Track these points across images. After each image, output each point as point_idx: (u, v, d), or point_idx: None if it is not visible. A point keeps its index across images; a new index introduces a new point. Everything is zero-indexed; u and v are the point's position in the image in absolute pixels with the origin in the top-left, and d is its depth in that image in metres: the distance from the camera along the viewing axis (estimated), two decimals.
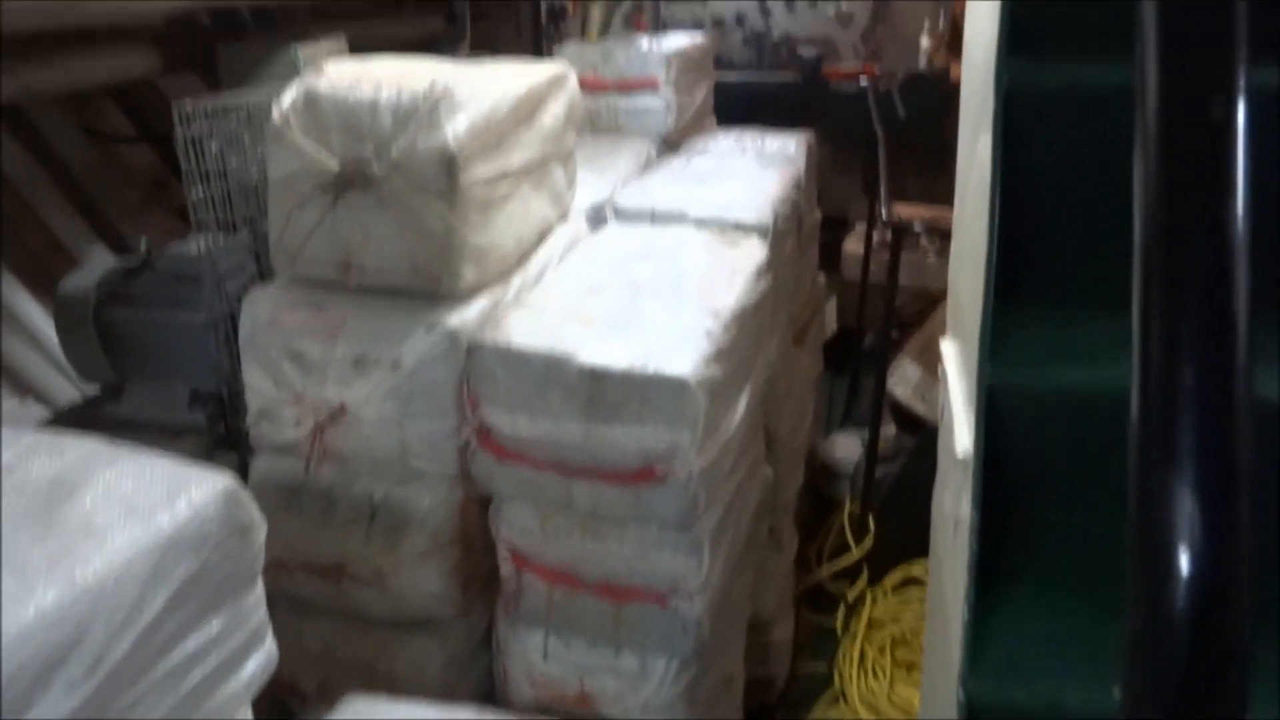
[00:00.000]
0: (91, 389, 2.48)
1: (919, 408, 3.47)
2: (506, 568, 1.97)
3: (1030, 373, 1.22)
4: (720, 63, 4.34)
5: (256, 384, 1.99)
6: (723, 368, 1.83)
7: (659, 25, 5.83)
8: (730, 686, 2.20)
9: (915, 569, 3.13)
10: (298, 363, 1.94)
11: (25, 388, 3.10)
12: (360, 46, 3.07)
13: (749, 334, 2.06)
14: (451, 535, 1.95)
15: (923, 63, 5.46)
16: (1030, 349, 1.24)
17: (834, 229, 4.41)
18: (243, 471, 2.06)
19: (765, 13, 5.92)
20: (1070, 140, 1.26)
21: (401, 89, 1.85)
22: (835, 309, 4.40)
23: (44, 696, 0.93)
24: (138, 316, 2.30)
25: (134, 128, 3.56)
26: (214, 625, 1.14)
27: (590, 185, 2.58)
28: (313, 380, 1.93)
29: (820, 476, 3.66)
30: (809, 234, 3.13)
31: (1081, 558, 1.23)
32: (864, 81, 4.45)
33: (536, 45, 4.90)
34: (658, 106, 3.21)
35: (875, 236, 4.09)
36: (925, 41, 5.47)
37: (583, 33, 5.38)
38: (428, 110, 1.82)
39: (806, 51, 5.75)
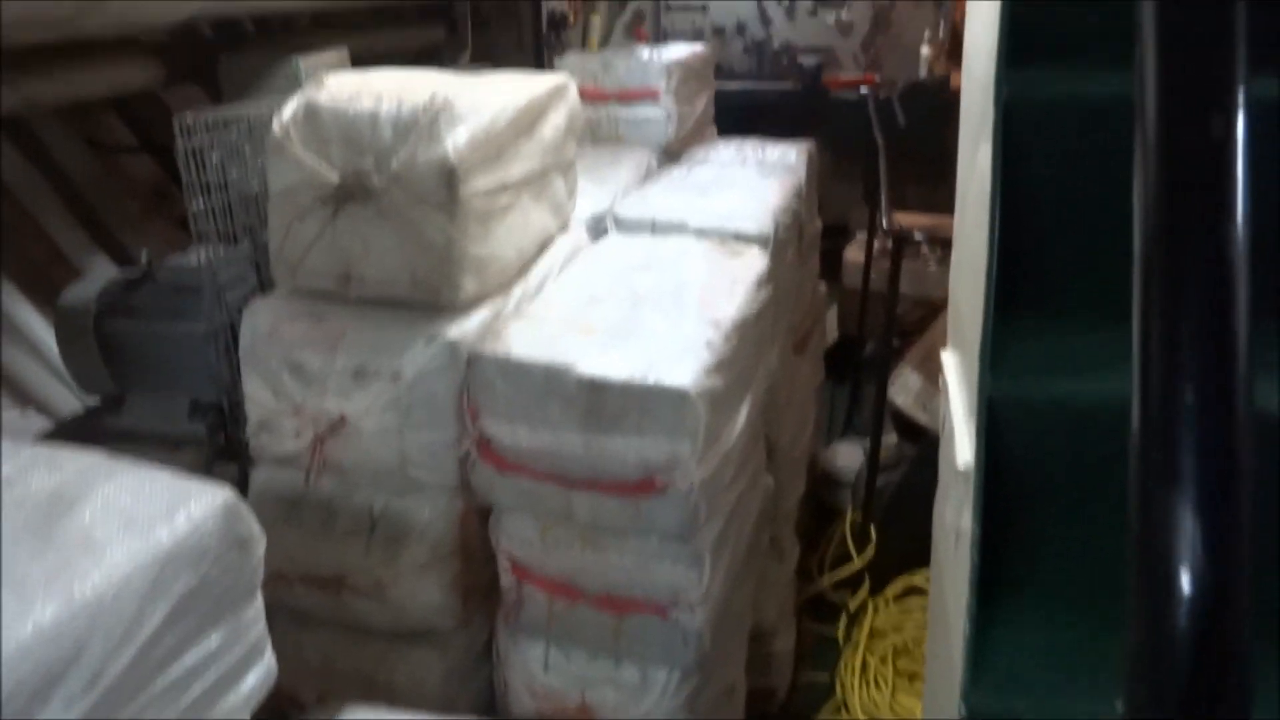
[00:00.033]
0: (92, 400, 2.48)
1: (920, 416, 3.47)
2: (507, 579, 1.97)
3: (1031, 385, 1.22)
4: (721, 71, 4.35)
5: (256, 395, 1.99)
6: (723, 378, 1.83)
7: (660, 34, 5.86)
8: (732, 697, 2.19)
9: (917, 578, 3.13)
10: (298, 374, 1.94)
11: (26, 398, 3.10)
12: (362, 57, 3.08)
13: (750, 344, 2.05)
14: (452, 546, 1.94)
15: (923, 71, 5.48)
16: (1030, 361, 1.24)
17: (835, 237, 4.43)
18: (243, 483, 2.06)
19: (766, 21, 5.93)
20: (1070, 152, 1.26)
21: (402, 101, 1.85)
22: (836, 317, 4.41)
23: (43, 712, 0.92)
24: (138, 328, 2.30)
25: (136, 138, 3.57)
26: (213, 639, 1.14)
27: (591, 195, 2.59)
28: (313, 392, 1.93)
29: (821, 485, 3.66)
30: (810, 243, 3.13)
31: (1083, 569, 1.23)
32: (864, 90, 4.45)
33: (537, 54, 4.91)
34: (658, 116, 3.21)
35: (876, 245, 4.09)
36: (925, 50, 5.49)
37: (584, 42, 5.40)
38: (428, 123, 1.82)
39: (807, 60, 5.76)
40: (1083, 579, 1.23)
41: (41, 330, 3.01)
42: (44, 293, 3.02)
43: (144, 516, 1.08)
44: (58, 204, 3.26)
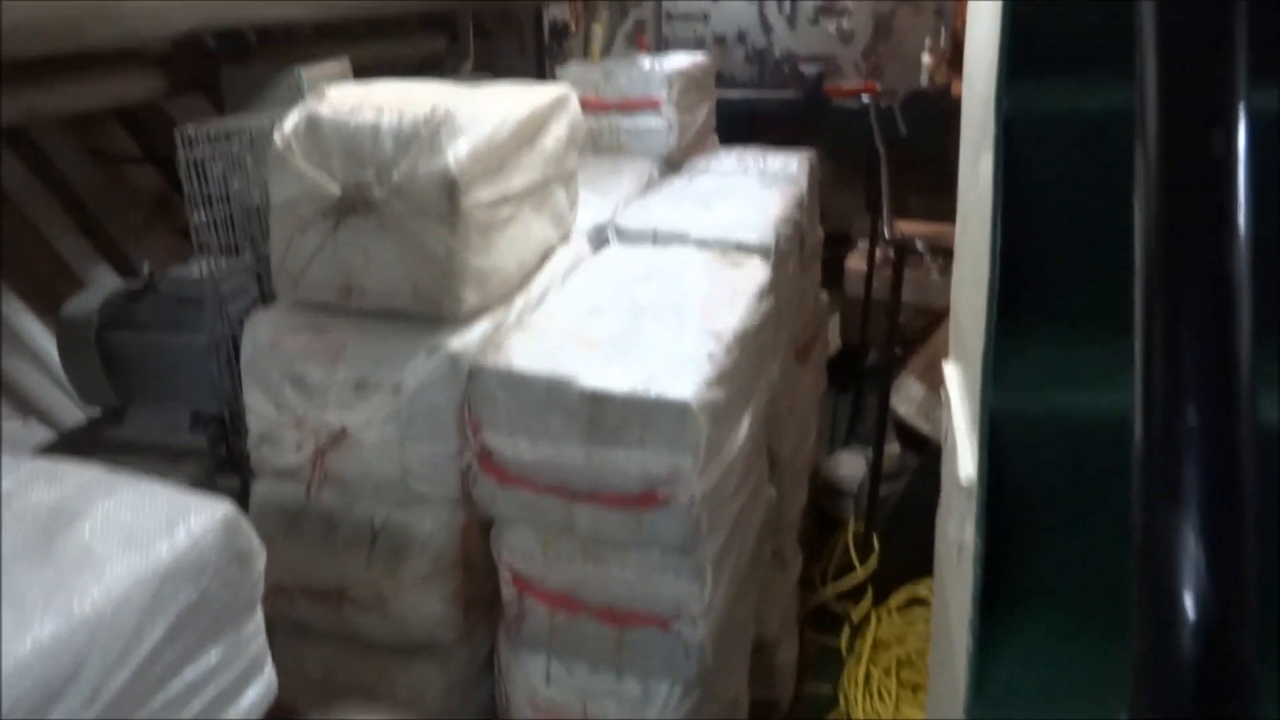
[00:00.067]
0: (94, 411, 2.48)
1: (923, 426, 3.46)
2: (508, 591, 1.96)
3: (1032, 398, 1.22)
4: (722, 80, 4.36)
5: (258, 407, 1.99)
6: (725, 390, 1.82)
7: (661, 43, 5.87)
8: (734, 709, 2.19)
9: (920, 589, 3.12)
10: (299, 386, 1.94)
11: (28, 408, 3.10)
12: (365, 66, 3.08)
13: (751, 355, 2.05)
14: (453, 559, 1.94)
15: (924, 79, 5.49)
16: (1032, 373, 1.24)
17: (836, 246, 4.42)
18: (244, 495, 2.06)
19: (767, 30, 5.95)
20: (1071, 165, 1.26)
21: (403, 113, 1.85)
22: (838, 326, 4.40)
23: None
24: (140, 339, 2.30)
25: (139, 148, 3.57)
26: (213, 655, 1.13)
27: (592, 206, 2.58)
28: (314, 404, 1.93)
29: (824, 495, 3.65)
30: (811, 252, 3.13)
31: (1085, 583, 1.23)
32: (866, 98, 4.47)
33: (539, 64, 4.92)
34: (660, 126, 3.21)
35: (878, 254, 4.09)
36: (927, 58, 5.50)
37: (585, 51, 5.41)
38: (429, 135, 1.82)
39: (808, 69, 5.77)
40: (1086, 592, 1.22)
41: (43, 340, 3.01)
42: (46, 303, 3.02)
43: (144, 532, 1.08)
44: (60, 214, 3.26)
